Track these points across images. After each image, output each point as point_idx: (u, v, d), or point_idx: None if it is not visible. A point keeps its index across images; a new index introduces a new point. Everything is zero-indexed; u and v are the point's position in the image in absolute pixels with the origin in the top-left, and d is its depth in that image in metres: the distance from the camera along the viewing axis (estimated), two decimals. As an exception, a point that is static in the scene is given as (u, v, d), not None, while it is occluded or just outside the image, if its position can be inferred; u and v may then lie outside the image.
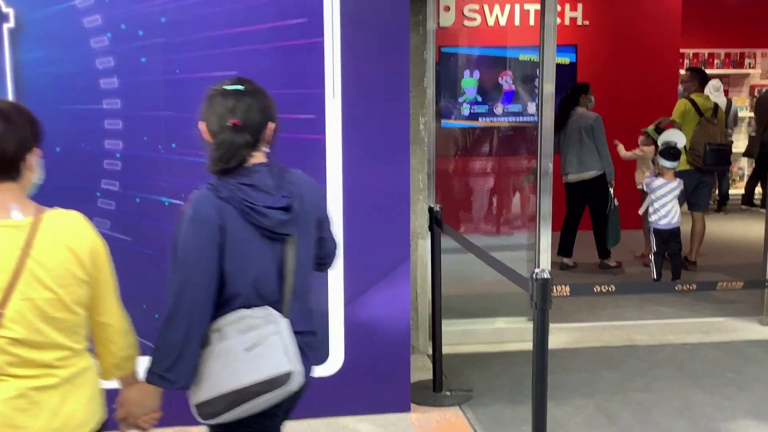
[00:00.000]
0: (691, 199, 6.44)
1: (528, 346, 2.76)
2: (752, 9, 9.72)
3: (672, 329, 5.05)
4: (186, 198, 2.08)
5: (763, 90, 10.29)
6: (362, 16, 3.47)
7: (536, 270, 2.66)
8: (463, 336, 4.78)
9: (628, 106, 6.94)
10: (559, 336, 4.90)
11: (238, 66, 3.39)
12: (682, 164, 6.45)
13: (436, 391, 4.03)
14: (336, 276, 3.58)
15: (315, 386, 3.67)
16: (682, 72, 6.56)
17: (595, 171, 6.62)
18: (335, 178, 3.53)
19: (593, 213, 6.71)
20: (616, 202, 6.50)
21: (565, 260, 6.83)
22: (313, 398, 3.67)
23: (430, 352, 4.16)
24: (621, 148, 6.38)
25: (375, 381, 3.71)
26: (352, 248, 3.57)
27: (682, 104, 6.56)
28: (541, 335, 2.66)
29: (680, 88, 6.52)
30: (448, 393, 4.02)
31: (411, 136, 4.08)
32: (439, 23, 7.40)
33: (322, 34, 3.41)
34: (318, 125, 3.46)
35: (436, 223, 3.96)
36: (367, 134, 3.54)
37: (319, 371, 3.64)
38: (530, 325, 2.75)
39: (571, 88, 6.88)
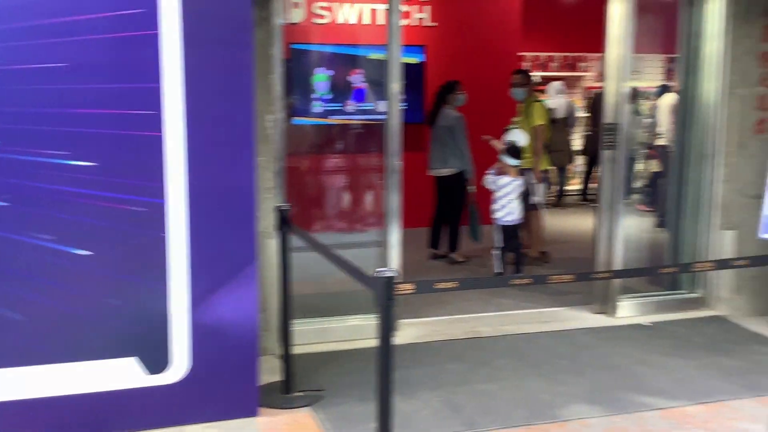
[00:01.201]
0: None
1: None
2: (586, 15, 10.37)
3: (513, 320, 5.28)
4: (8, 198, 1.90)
5: (595, 92, 11.00)
6: (204, 10, 3.35)
7: (380, 269, 2.67)
8: (317, 335, 4.76)
9: (474, 106, 7.19)
10: (409, 331, 4.99)
11: (65, 57, 3.17)
12: (544, 163, 6.80)
13: (286, 392, 3.98)
14: (179, 278, 3.44)
15: (158, 395, 3.56)
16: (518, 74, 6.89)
17: (454, 168, 6.83)
18: (177, 177, 3.39)
19: (449, 209, 6.93)
20: (475, 200, 6.76)
21: (453, 255, 7.01)
22: (157, 407, 3.54)
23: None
24: (496, 143, 6.61)
25: (223, 386, 3.61)
26: (197, 250, 3.45)
27: (541, 106, 6.93)
28: (385, 333, 2.68)
29: (521, 90, 6.80)
30: (298, 394, 3.98)
31: (258, 133, 4.00)
32: (288, 19, 7.31)
33: (158, 26, 3.26)
34: (155, 121, 3.31)
35: (284, 222, 3.90)
36: (211, 131, 3.43)
37: (162, 379, 3.49)
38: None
39: (439, 87, 7.05)
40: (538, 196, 6.72)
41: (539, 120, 6.70)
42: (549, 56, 11.58)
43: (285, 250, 3.92)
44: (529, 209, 6.73)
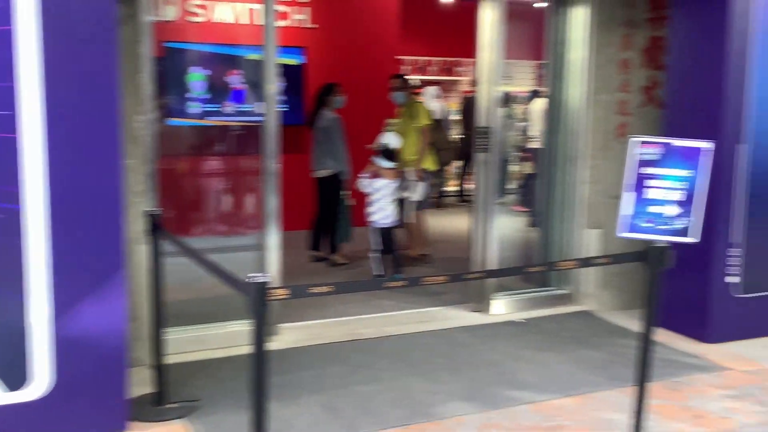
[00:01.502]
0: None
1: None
2: (462, 21, 10.65)
3: (394, 321, 5.33)
4: None
5: (467, 96, 11.31)
6: (63, 5, 3.16)
7: (253, 274, 2.62)
8: (193, 343, 4.62)
9: (354, 108, 7.22)
10: (289, 335, 4.93)
11: None
12: (431, 164, 6.90)
13: (159, 404, 3.83)
14: (38, 288, 3.23)
15: (18, 413, 3.33)
16: (400, 78, 6.98)
17: (330, 170, 6.82)
18: (35, 180, 3.19)
19: (324, 210, 6.91)
20: (349, 201, 6.76)
21: (334, 256, 6.96)
22: (17, 426, 3.32)
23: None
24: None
25: (89, 401, 3.43)
26: (59, 257, 3.26)
27: (424, 107, 7.06)
28: (259, 339, 2.63)
29: (401, 93, 6.89)
30: (172, 405, 3.84)
31: (126, 134, 3.84)
32: (159, 16, 7.07)
33: (11, 22, 3.05)
34: (9, 122, 3.10)
35: (154, 227, 3.76)
36: (72, 132, 3.25)
37: (22, 396, 3.28)
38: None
39: (318, 89, 7.01)
40: (420, 196, 6.82)
41: (425, 120, 6.83)
42: (427, 60, 11.81)
43: (156, 256, 3.77)
44: (415, 209, 6.82)
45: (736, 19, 4.73)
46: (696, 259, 4.85)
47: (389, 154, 6.30)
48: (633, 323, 5.20)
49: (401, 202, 6.61)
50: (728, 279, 4.92)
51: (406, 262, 6.77)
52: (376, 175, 6.26)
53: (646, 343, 3.30)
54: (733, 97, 4.79)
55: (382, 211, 6.23)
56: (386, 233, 6.30)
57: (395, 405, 3.92)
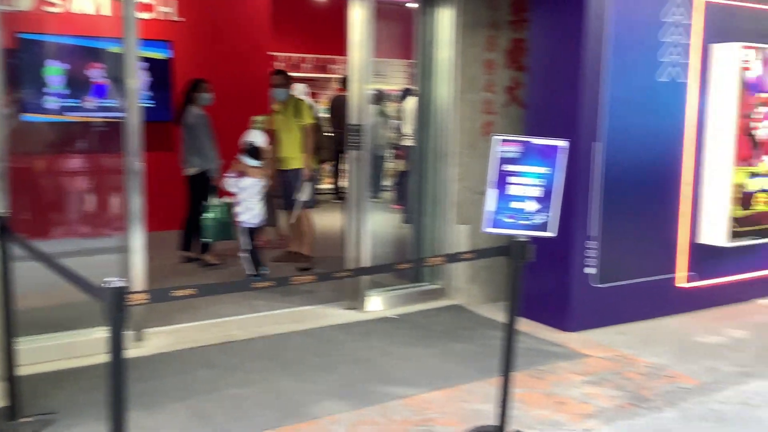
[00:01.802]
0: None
1: (127, 354, 2.59)
2: (335, 18, 10.66)
3: (267, 321, 5.25)
4: None
5: (336, 94, 11.33)
6: None
7: (109, 278, 2.49)
8: (52, 352, 4.36)
9: (224, 105, 7.06)
10: (157, 340, 4.75)
11: None
12: (312, 161, 6.78)
13: (12, 419, 3.58)
14: None
15: None
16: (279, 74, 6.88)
17: (197, 168, 6.62)
18: None
19: (194, 209, 6.70)
20: (218, 200, 6.56)
21: (205, 257, 6.74)
22: None
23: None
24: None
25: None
26: None
27: (307, 105, 6.94)
28: (116, 346, 2.50)
29: (282, 90, 6.78)
30: (26, 420, 3.60)
31: (-32, 131, 3.56)
32: (11, 6, 6.62)
33: None
34: None
35: (2, 230, 3.50)
36: None
37: None
38: (130, 333, 2.57)
39: (185, 85, 6.77)
40: (306, 194, 6.72)
41: (309, 118, 6.75)
42: (301, 57, 11.73)
43: (4, 261, 3.52)
44: (300, 208, 6.73)
45: (592, 24, 4.99)
46: (558, 252, 5.08)
47: (255, 152, 6.16)
48: (500, 315, 5.38)
49: (272, 201, 6.51)
50: (587, 270, 5.18)
51: (299, 260, 6.70)
52: (242, 173, 6.11)
53: (509, 334, 3.42)
54: (589, 97, 5.04)
55: (249, 210, 6.09)
56: (256, 232, 6.19)
57: (267, 407, 3.86)
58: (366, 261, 5.47)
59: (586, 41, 4.99)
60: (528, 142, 3.33)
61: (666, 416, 3.87)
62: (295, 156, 6.65)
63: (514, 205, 3.33)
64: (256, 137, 6.27)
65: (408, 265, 4.44)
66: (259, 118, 7.00)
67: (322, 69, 11.92)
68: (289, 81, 6.92)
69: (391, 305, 5.67)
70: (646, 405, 3.99)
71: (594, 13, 4.98)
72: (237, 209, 6.14)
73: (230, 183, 6.12)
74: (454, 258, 3.97)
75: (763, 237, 5.82)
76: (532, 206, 3.32)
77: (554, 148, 3.32)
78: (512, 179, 3.32)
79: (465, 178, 5.79)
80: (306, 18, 11.30)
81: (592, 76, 5.03)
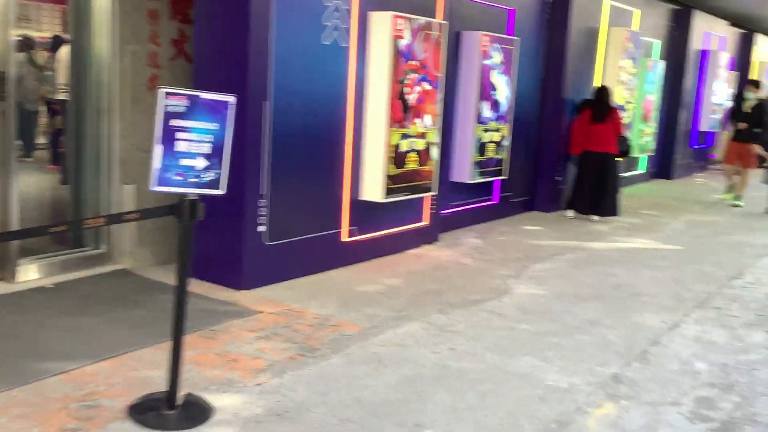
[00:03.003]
0: None
1: None
2: None
3: None
4: None
5: None
6: None
7: None
8: None
9: None
10: None
11: None
12: None
13: None
14: None
15: None
16: None
17: None
18: None
19: None
20: None
21: None
22: None
23: None
24: None
25: None
26: None
27: None
28: None
29: None
30: None
31: None
32: None
33: None
34: None
35: None
36: None
37: None
38: None
39: None
40: None
41: None
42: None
43: None
44: None
45: (258, -19, 4.95)
46: (229, 211, 5.05)
47: None
48: (172, 278, 5.21)
49: None
50: (259, 228, 5.24)
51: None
52: None
53: (180, 296, 3.31)
54: (257, 56, 5.03)
55: None
56: None
57: None
58: (14, 226, 4.88)
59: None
60: (195, 96, 3.20)
61: (332, 362, 4.09)
62: None
63: (182, 162, 3.19)
64: None
65: (63, 227, 4.02)
66: None
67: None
68: None
69: (48, 273, 5.16)
70: (314, 354, 4.18)
71: (260, -30, 4.95)
72: None
73: None
74: (116, 218, 3.71)
75: (414, 193, 6.44)
76: (201, 163, 3.22)
77: (223, 103, 3.24)
78: (180, 135, 3.17)
79: (130, 134, 5.45)
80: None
81: (259, 35, 5.02)
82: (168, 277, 5.27)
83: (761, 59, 16.63)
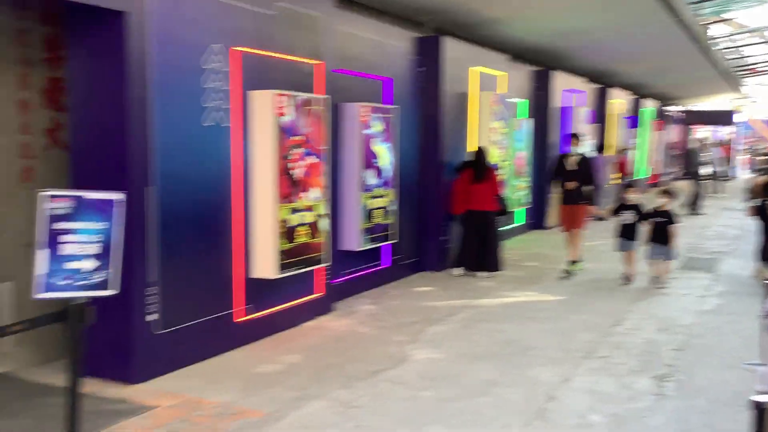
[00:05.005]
0: None
1: None
2: None
3: None
4: None
5: None
6: None
7: None
8: None
9: None
10: None
11: None
12: None
13: None
14: None
15: None
16: None
17: None
18: None
19: None
20: None
21: None
22: None
23: None
24: None
25: None
26: None
27: None
28: None
29: None
30: None
31: None
32: None
33: None
34: None
35: None
36: None
37: None
38: None
39: None
40: None
41: None
42: None
43: None
44: None
45: (134, 67, 4.88)
46: (117, 303, 4.81)
47: None
48: (57, 378, 4.93)
49: None
50: (148, 318, 5.06)
51: None
52: None
53: (73, 405, 3.14)
54: (137, 141, 4.93)
55: None
56: None
57: None
58: None
59: (129, 85, 4.87)
60: (80, 196, 3.12)
61: (237, 454, 3.98)
62: None
63: (69, 265, 3.07)
64: None
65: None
66: None
67: None
68: None
69: None
70: (218, 447, 4.05)
71: (135, 56, 4.89)
72: None
73: None
74: (2, 332, 3.49)
75: (307, 266, 6.43)
76: (89, 265, 3.11)
77: (110, 201, 3.17)
78: (65, 237, 3.07)
79: (5, 230, 5.17)
80: None
81: (138, 119, 4.94)
82: (52, 378, 5.00)
83: (616, 111, 17.92)
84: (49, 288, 3.04)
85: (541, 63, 13.53)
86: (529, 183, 12.71)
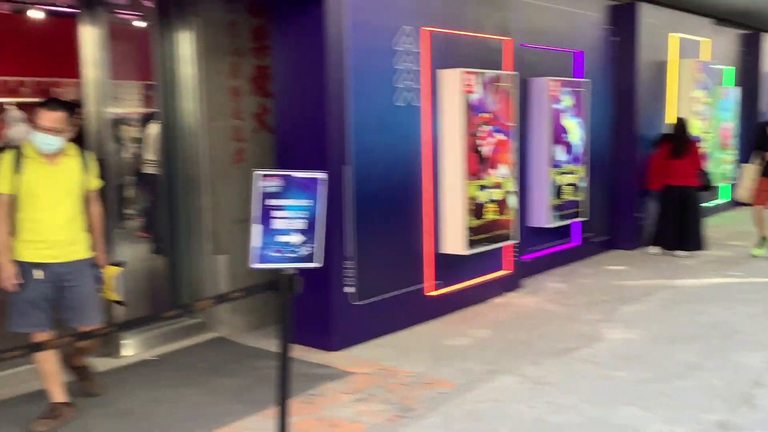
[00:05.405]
0: None
1: None
2: (58, 39, 9.87)
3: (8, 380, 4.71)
4: None
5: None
6: None
7: None
8: None
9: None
10: None
11: None
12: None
13: None
14: None
15: None
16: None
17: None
18: None
19: None
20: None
21: None
22: None
23: None
24: None
25: None
26: None
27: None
28: None
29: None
30: None
31: None
32: None
33: None
34: None
35: None
36: None
37: None
38: None
39: None
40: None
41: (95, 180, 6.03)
42: (20, 81, 10.68)
43: None
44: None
45: (332, 52, 5.15)
46: (318, 275, 5.16)
47: None
48: (266, 343, 5.38)
49: None
50: (346, 289, 5.36)
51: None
52: None
53: (284, 367, 3.42)
54: (335, 122, 5.21)
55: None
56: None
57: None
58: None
59: (328, 69, 5.15)
60: (289, 175, 3.36)
61: (430, 422, 4.12)
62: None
63: (279, 239, 3.33)
64: None
65: (174, 312, 4.23)
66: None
67: (46, 93, 10.95)
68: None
69: (150, 346, 5.38)
70: (411, 414, 4.22)
71: (333, 41, 5.15)
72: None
73: None
74: (222, 298, 3.87)
75: (495, 243, 6.46)
76: (297, 239, 3.36)
77: (314, 180, 3.39)
78: (276, 213, 3.33)
79: (220, 207, 5.69)
80: (22, 37, 10.31)
81: (336, 102, 5.21)
82: (262, 342, 5.45)
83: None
84: (263, 259, 3.32)
85: (750, 27, 12.42)
86: (735, 156, 11.78)
